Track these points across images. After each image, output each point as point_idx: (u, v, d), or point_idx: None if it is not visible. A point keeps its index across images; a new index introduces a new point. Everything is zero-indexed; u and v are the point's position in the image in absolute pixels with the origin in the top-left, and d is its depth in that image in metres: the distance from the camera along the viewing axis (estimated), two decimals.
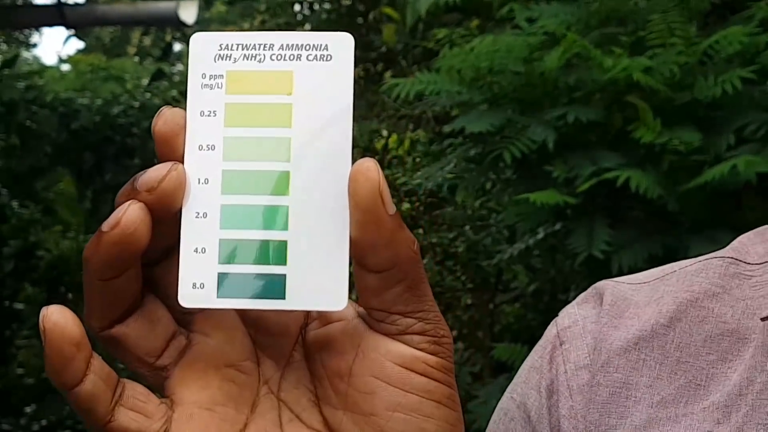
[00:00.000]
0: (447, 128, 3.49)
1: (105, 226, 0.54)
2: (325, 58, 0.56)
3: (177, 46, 11.58)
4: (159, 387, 0.59)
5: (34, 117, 6.99)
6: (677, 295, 0.84)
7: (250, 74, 0.57)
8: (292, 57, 0.57)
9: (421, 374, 0.56)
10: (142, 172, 0.55)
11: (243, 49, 0.57)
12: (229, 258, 0.55)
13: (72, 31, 9.22)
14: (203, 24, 9.79)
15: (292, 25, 7.28)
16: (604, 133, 3.04)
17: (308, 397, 0.59)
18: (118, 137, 7.30)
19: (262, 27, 7.45)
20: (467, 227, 4.70)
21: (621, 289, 0.87)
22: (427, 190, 4.34)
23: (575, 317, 0.87)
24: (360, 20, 7.14)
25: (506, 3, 3.43)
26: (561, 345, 0.86)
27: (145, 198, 0.54)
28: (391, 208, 0.53)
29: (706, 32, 3.06)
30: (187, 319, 0.59)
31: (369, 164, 0.53)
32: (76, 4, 6.82)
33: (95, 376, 0.55)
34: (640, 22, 3.09)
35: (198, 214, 0.56)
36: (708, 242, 2.71)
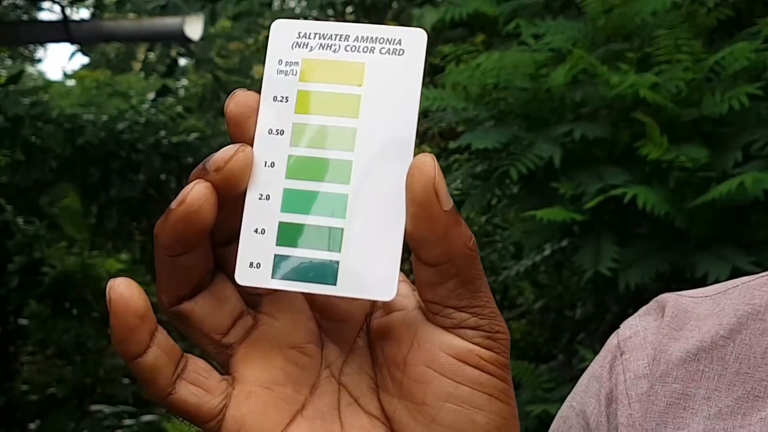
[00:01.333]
0: (453, 144, 3.48)
1: (173, 203, 0.55)
2: (397, 53, 0.57)
3: (182, 62, 11.60)
4: (224, 364, 0.60)
5: (39, 132, 7.00)
6: (738, 308, 0.84)
7: (324, 63, 0.57)
8: (365, 49, 0.57)
9: (474, 367, 0.57)
10: (212, 153, 0.56)
11: (319, 39, 0.58)
12: (287, 241, 0.56)
13: (77, 47, 9.23)
14: (207, 39, 9.80)
15: None
16: (611, 150, 3.04)
17: (368, 384, 0.60)
18: (123, 152, 7.30)
19: (266, 43, 7.47)
20: None
21: (682, 302, 0.87)
22: None
23: (636, 328, 0.87)
24: None
25: (512, 19, 3.42)
26: (621, 355, 0.86)
27: (212, 178, 0.55)
28: (447, 204, 0.54)
29: (712, 48, 3.06)
30: (255, 300, 0.60)
31: (426, 159, 0.54)
32: (82, 20, 6.84)
33: (158, 349, 0.56)
34: (647, 39, 3.09)
35: (261, 195, 0.56)
36: (716, 259, 2.70)
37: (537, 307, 4.26)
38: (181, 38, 6.68)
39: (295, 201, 0.56)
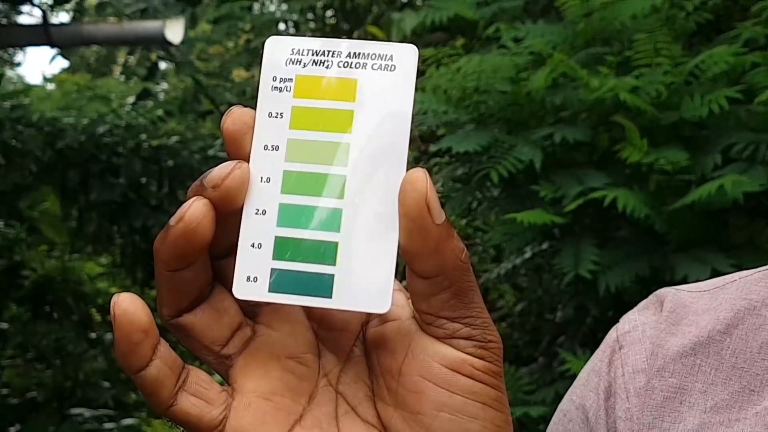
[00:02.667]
0: (434, 148, 3.49)
1: (172, 219, 0.56)
2: (389, 68, 0.58)
3: (162, 65, 11.59)
4: (224, 375, 0.61)
5: (19, 136, 6.98)
6: (735, 303, 0.85)
7: (317, 80, 0.59)
8: (357, 65, 0.58)
9: (467, 376, 0.58)
10: (210, 169, 0.57)
11: (313, 55, 0.59)
12: (283, 255, 0.57)
13: (57, 51, 9.21)
14: (188, 43, 9.78)
15: None
16: (591, 153, 3.05)
17: (365, 392, 0.61)
18: (103, 156, 7.28)
19: (247, 46, 7.47)
20: None
21: (681, 297, 0.88)
22: None
23: (635, 323, 0.88)
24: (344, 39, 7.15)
25: (492, 23, 3.43)
26: (620, 349, 0.87)
27: (210, 194, 0.56)
28: (439, 218, 0.55)
29: (692, 52, 3.07)
30: (254, 311, 0.61)
31: (418, 174, 0.55)
32: (62, 24, 6.82)
33: (160, 362, 0.57)
34: (626, 42, 3.10)
35: (258, 210, 0.58)
36: (695, 262, 2.71)
37: (517, 310, 4.26)
38: (162, 42, 6.68)
39: (291, 215, 0.58)
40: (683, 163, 2.75)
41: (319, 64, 0.59)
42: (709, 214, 2.85)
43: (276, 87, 0.59)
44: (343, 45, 0.59)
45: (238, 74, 10.72)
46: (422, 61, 3.45)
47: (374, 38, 5.75)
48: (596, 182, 2.86)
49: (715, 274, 2.60)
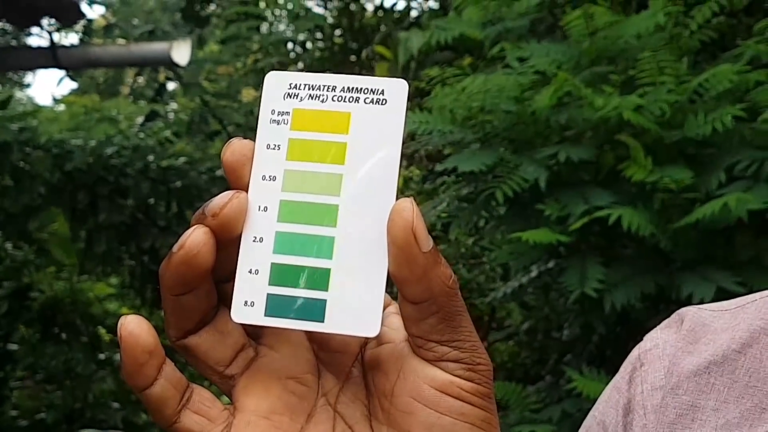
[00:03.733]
0: (440, 167, 3.50)
1: (174, 247, 0.58)
2: (380, 102, 0.61)
3: (171, 86, 11.61)
4: (228, 394, 0.63)
5: (28, 158, 6.99)
6: (752, 323, 0.85)
7: (313, 113, 0.61)
8: (351, 99, 0.61)
9: (455, 398, 0.60)
10: (211, 199, 0.60)
11: (309, 89, 0.62)
12: (279, 280, 0.60)
13: (66, 73, 9.24)
14: (196, 64, 9.80)
15: (285, 64, 7.30)
16: (596, 172, 3.06)
17: (362, 411, 0.63)
18: (111, 177, 7.29)
19: (255, 66, 7.48)
20: (461, 265, 4.71)
21: (702, 316, 0.89)
22: None
23: (656, 341, 0.89)
24: (353, 58, 7.16)
25: (497, 42, 3.44)
26: (641, 366, 0.88)
27: (210, 223, 0.59)
28: (426, 246, 0.57)
29: (696, 70, 3.08)
30: (257, 332, 0.63)
31: (405, 204, 0.57)
32: (70, 46, 6.85)
33: (165, 381, 0.60)
34: (631, 61, 3.10)
35: (255, 238, 0.60)
36: (700, 280, 2.72)
37: (524, 329, 4.27)
38: (169, 63, 6.69)
39: (287, 243, 0.60)
40: (687, 181, 2.76)
41: (315, 98, 0.61)
42: (713, 232, 2.85)
43: (274, 120, 0.62)
44: (338, 80, 0.61)
45: (247, 94, 10.74)
46: (428, 80, 3.46)
47: (382, 57, 5.76)
48: (601, 201, 2.86)
49: (721, 292, 2.61)
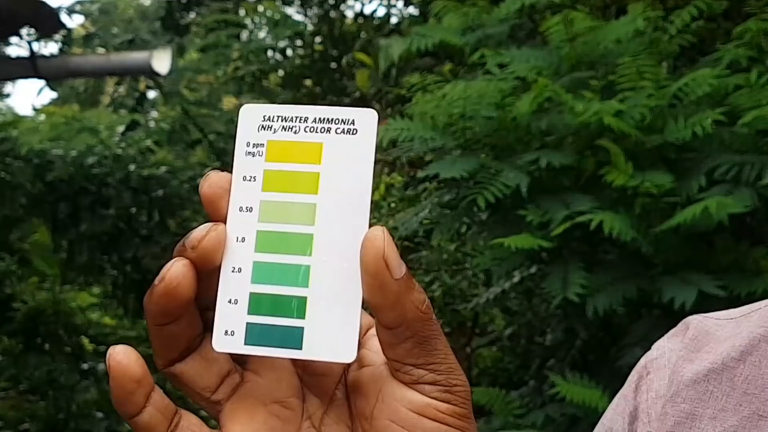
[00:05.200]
0: (421, 173, 3.50)
1: (156, 279, 0.59)
2: (351, 132, 0.62)
3: (151, 95, 11.59)
4: (215, 419, 0.64)
5: (9, 168, 6.98)
6: (752, 331, 0.86)
7: (286, 144, 0.63)
8: (323, 129, 0.62)
9: (432, 419, 0.61)
10: (190, 231, 0.61)
11: (282, 121, 0.63)
12: (257, 309, 0.61)
13: (45, 83, 9.21)
14: (176, 73, 9.78)
15: (265, 72, 7.30)
16: (577, 177, 3.06)
17: None
18: (93, 187, 7.29)
19: (235, 74, 7.47)
20: (443, 271, 4.71)
21: (706, 324, 0.90)
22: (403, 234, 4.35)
23: (662, 350, 0.90)
24: (333, 65, 7.16)
25: (477, 48, 3.45)
26: (647, 375, 0.89)
27: (189, 255, 0.60)
28: (398, 273, 0.58)
29: (675, 75, 3.09)
30: (242, 358, 0.64)
31: (377, 233, 0.58)
32: (50, 56, 6.83)
33: (153, 408, 0.61)
34: (611, 66, 3.11)
35: (234, 268, 0.61)
36: (682, 284, 2.72)
37: (507, 334, 4.28)
38: (149, 72, 6.68)
39: (264, 273, 0.61)
40: (668, 185, 2.77)
41: (288, 130, 0.63)
42: (694, 236, 2.86)
43: (249, 152, 0.63)
44: (309, 111, 0.63)
45: (227, 102, 10.73)
46: (409, 87, 3.47)
47: (362, 64, 5.77)
48: (582, 206, 2.87)
49: (702, 295, 2.62)
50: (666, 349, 0.90)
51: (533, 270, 3.36)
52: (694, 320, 0.91)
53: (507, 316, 4.37)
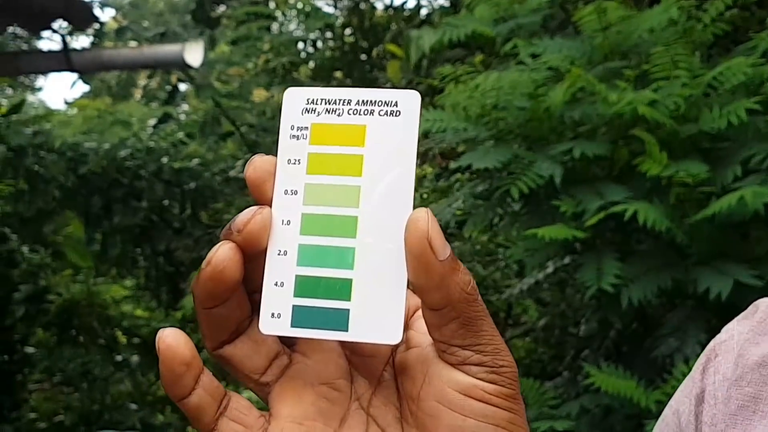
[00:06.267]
0: (454, 164, 3.49)
1: (203, 263, 0.60)
2: (394, 114, 0.62)
3: (182, 88, 11.62)
4: (264, 401, 0.65)
5: (42, 162, 7.01)
6: None
7: (330, 127, 0.63)
8: (366, 112, 0.63)
9: (479, 400, 0.61)
10: (237, 215, 0.62)
11: (325, 104, 0.63)
12: (303, 292, 0.62)
13: (78, 76, 9.25)
14: (207, 65, 9.80)
15: (296, 64, 7.30)
16: (611, 167, 3.05)
17: (394, 414, 0.64)
18: (125, 180, 7.31)
19: (266, 67, 7.48)
20: (476, 262, 4.71)
21: None
22: None
23: (731, 332, 0.89)
24: (364, 57, 7.16)
25: (510, 39, 3.44)
26: (715, 357, 0.88)
27: (235, 238, 0.60)
28: (442, 254, 0.58)
29: (710, 64, 3.07)
30: (290, 340, 0.65)
31: (421, 214, 0.58)
32: (82, 49, 6.86)
33: (202, 391, 0.62)
34: (644, 56, 3.10)
35: (280, 251, 0.62)
36: (717, 274, 2.71)
37: (541, 325, 4.27)
38: (182, 65, 6.70)
39: (309, 255, 0.62)
40: (703, 175, 2.75)
41: (332, 113, 0.63)
42: (729, 226, 2.85)
43: (294, 135, 0.63)
44: (353, 93, 0.63)
45: (258, 95, 10.74)
46: (441, 78, 3.46)
47: (393, 56, 5.76)
48: (616, 196, 2.86)
49: (737, 285, 2.60)
50: (735, 332, 0.89)
51: (567, 261, 3.35)
52: (764, 302, 0.89)
53: (540, 307, 4.36)
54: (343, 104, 0.63)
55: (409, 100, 0.62)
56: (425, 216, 0.58)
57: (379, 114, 0.62)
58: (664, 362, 2.90)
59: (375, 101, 0.63)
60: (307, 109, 0.63)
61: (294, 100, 0.64)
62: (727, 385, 0.85)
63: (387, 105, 0.62)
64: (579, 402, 3.16)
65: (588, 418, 3.11)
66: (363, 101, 0.63)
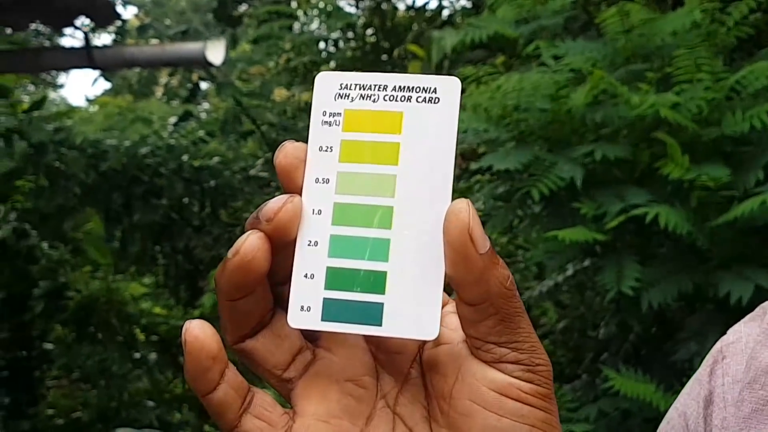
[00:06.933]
0: (475, 165, 3.49)
1: (229, 252, 0.58)
2: (433, 101, 0.60)
3: (204, 86, 11.64)
4: (287, 397, 0.63)
5: (63, 158, 7.03)
6: None
7: (364, 113, 0.61)
8: (403, 98, 0.60)
9: (515, 399, 0.59)
10: (265, 202, 0.59)
11: (360, 89, 0.61)
12: (334, 284, 0.59)
13: (100, 73, 9.28)
14: (229, 64, 9.81)
15: (317, 63, 7.31)
16: (632, 170, 3.04)
17: (421, 413, 0.62)
18: (145, 177, 7.33)
19: (287, 66, 7.49)
20: None
21: None
22: None
23: (739, 334, 0.88)
24: (385, 57, 7.16)
25: (532, 40, 3.43)
26: (723, 359, 0.87)
27: (264, 227, 0.58)
28: (483, 247, 0.56)
29: (732, 67, 3.06)
30: (314, 335, 0.63)
31: (461, 205, 0.56)
32: (104, 47, 6.86)
33: (227, 386, 0.60)
34: (667, 58, 3.09)
35: (310, 242, 0.60)
36: (738, 279, 2.70)
37: (560, 327, 4.26)
38: (203, 63, 6.70)
39: (341, 246, 0.60)
40: (725, 179, 2.74)
41: (367, 98, 0.61)
42: (751, 231, 2.83)
43: (326, 121, 0.61)
44: (389, 78, 0.61)
45: (279, 94, 10.76)
46: (462, 79, 3.46)
47: (414, 56, 5.76)
48: (637, 199, 2.85)
49: (759, 290, 2.59)
50: (743, 334, 0.88)
51: (587, 263, 3.34)
52: None
53: (559, 310, 4.35)
54: (378, 90, 0.60)
55: (449, 86, 0.60)
56: (466, 207, 0.56)
57: (417, 101, 0.60)
58: (683, 366, 2.89)
59: (413, 87, 0.60)
60: (340, 94, 0.61)
61: (326, 84, 0.61)
62: (738, 388, 0.84)
63: (425, 91, 0.60)
64: (597, 405, 3.15)
65: (606, 421, 3.10)
66: (400, 87, 0.60)
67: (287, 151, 0.60)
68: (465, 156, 4.71)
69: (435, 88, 0.60)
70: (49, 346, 7.37)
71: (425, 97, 0.60)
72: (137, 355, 7.62)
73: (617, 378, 2.88)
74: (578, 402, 3.29)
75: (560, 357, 4.37)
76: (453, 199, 0.58)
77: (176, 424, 7.35)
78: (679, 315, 3.11)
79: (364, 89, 0.61)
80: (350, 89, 0.61)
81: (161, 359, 7.53)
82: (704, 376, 0.88)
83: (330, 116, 0.61)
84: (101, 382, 7.37)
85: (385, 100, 0.60)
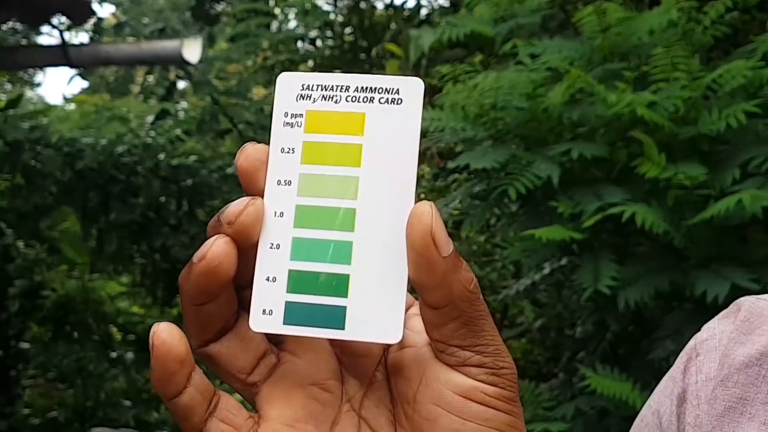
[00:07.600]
0: (452, 164, 3.49)
1: (195, 257, 0.57)
2: (396, 102, 0.59)
3: (181, 84, 11.62)
4: (251, 402, 0.62)
5: (39, 157, 7.01)
6: None
7: (326, 114, 0.60)
8: (365, 99, 0.60)
9: (479, 403, 0.58)
10: (227, 205, 0.59)
11: (322, 90, 0.60)
12: (297, 288, 0.59)
13: (76, 71, 9.24)
14: (206, 62, 9.80)
15: (295, 62, 7.30)
16: (609, 169, 3.05)
17: (387, 417, 0.62)
18: (122, 176, 7.31)
19: (265, 64, 7.48)
20: (473, 262, 4.70)
21: (759, 306, 0.87)
22: None
23: (713, 331, 0.88)
24: (363, 56, 7.16)
25: (509, 39, 3.43)
26: (696, 357, 0.87)
27: (226, 231, 0.58)
28: (446, 250, 0.56)
29: (709, 66, 3.07)
30: (279, 338, 0.62)
31: (424, 208, 0.56)
32: (81, 45, 6.84)
33: (193, 390, 0.59)
34: (644, 57, 3.09)
35: (272, 245, 0.59)
36: (715, 278, 2.70)
37: (537, 326, 4.26)
38: (180, 61, 6.69)
39: (304, 249, 0.59)
40: (701, 177, 2.75)
41: (329, 99, 0.60)
42: (728, 229, 2.84)
43: (288, 122, 0.60)
44: (351, 79, 0.60)
45: (257, 92, 10.74)
46: (440, 77, 3.45)
47: (392, 55, 5.76)
48: (614, 198, 2.85)
49: (735, 289, 2.60)
50: (717, 331, 0.87)
51: (564, 262, 3.34)
52: (747, 301, 0.88)
53: (537, 308, 4.35)
54: (340, 91, 0.60)
55: (412, 87, 0.59)
56: (429, 210, 0.56)
57: (380, 102, 0.59)
58: (660, 365, 2.89)
59: (375, 88, 0.60)
60: (301, 95, 0.60)
61: (288, 85, 0.61)
62: (711, 386, 0.83)
63: (388, 92, 0.59)
64: (574, 404, 3.15)
65: (583, 420, 3.10)
66: (362, 88, 0.60)
67: (248, 153, 0.60)
68: (442, 155, 4.71)
69: (398, 89, 0.59)
70: (25, 345, 7.35)
71: (388, 98, 0.59)
72: (114, 355, 7.62)
73: (594, 377, 2.88)
74: (555, 401, 3.30)
75: (537, 356, 4.37)
76: (418, 200, 0.57)
77: (153, 423, 7.34)
78: (657, 314, 3.11)
79: (326, 90, 0.60)
80: (312, 90, 0.60)
81: (138, 358, 7.53)
82: (678, 374, 0.87)
83: (292, 117, 0.60)
84: (78, 382, 7.37)
85: (347, 101, 0.60)
